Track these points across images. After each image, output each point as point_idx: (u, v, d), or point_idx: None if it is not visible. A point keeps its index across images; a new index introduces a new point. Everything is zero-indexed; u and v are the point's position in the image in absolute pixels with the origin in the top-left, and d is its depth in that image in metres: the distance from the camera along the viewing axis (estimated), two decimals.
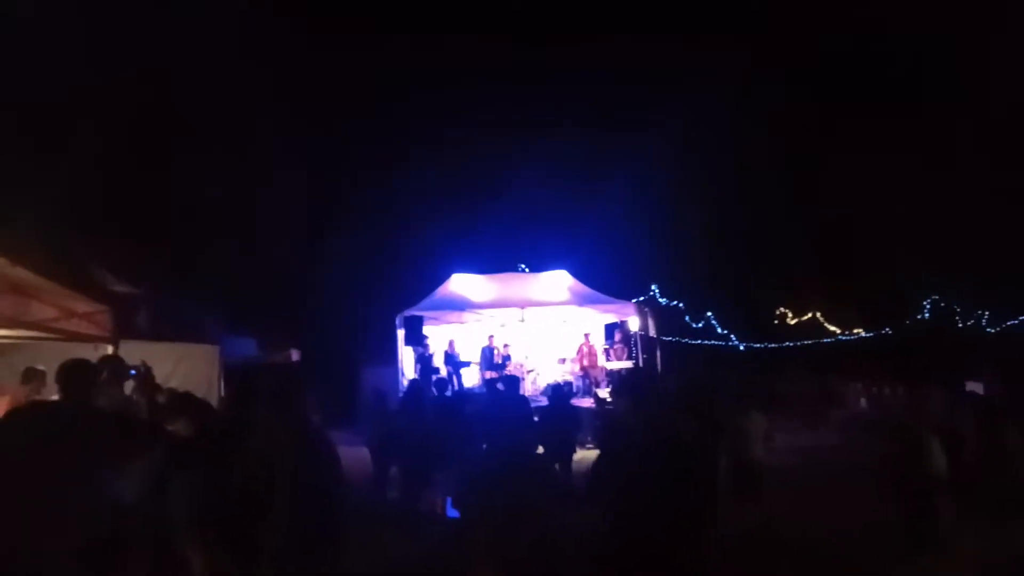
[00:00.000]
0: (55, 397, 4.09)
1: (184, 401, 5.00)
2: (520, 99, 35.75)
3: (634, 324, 16.38)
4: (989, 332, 34.12)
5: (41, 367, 5.98)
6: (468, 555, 3.88)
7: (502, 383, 11.85)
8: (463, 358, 15.89)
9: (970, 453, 5.59)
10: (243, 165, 24.22)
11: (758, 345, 33.87)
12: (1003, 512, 5.18)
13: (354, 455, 8.52)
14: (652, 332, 17.12)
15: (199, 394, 6.61)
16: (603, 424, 8.63)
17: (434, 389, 11.07)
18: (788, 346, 33.89)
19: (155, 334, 7.20)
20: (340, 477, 4.06)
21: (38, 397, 5.60)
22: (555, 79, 34.39)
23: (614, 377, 15.04)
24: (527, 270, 20.44)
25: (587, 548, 3.22)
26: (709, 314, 32.26)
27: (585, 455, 10.32)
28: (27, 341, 6.63)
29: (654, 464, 3.10)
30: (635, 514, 3.03)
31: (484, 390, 14.24)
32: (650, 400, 4.71)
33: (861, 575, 5.70)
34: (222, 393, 8.34)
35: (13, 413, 3.79)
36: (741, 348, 33.42)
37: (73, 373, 3.79)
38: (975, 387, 11.18)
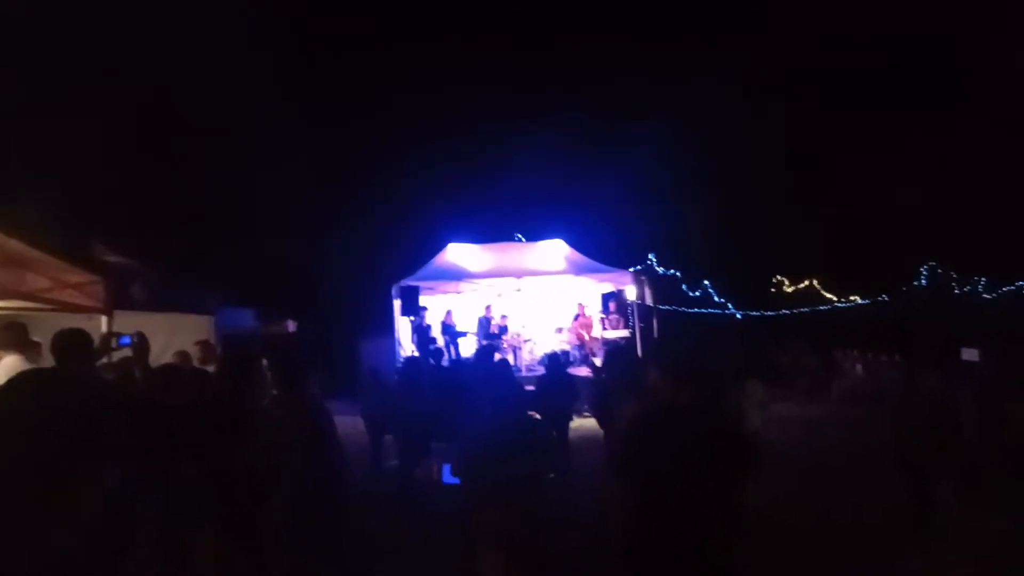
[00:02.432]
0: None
1: (177, 372, 4.98)
2: (517, 71, 35.41)
3: (631, 293, 16.37)
4: (986, 298, 34.24)
5: (36, 338, 5.96)
6: (473, 529, 3.89)
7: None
8: (460, 328, 15.90)
9: (970, 432, 5.57)
10: (240, 139, 24.04)
11: (755, 313, 33.96)
12: (1005, 494, 5.13)
13: (350, 425, 8.56)
14: (649, 301, 17.13)
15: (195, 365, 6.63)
16: (596, 395, 8.66)
17: (431, 359, 11.13)
18: (785, 314, 33.97)
19: (149, 305, 7.18)
20: (339, 449, 4.07)
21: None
22: (555, 52, 34.10)
23: (609, 347, 15.09)
24: (523, 239, 20.38)
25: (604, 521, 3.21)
26: (706, 283, 32.29)
27: (582, 423, 10.39)
28: (21, 312, 6.60)
29: (691, 439, 3.09)
30: (668, 488, 3.02)
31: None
32: (636, 373, 4.68)
33: (858, 555, 5.72)
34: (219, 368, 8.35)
35: (13, 380, 3.77)
36: (738, 316, 33.50)
37: (68, 343, 3.77)
38: (971, 354, 11.17)
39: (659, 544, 2.97)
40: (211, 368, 6.56)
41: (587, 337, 16.12)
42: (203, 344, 7.02)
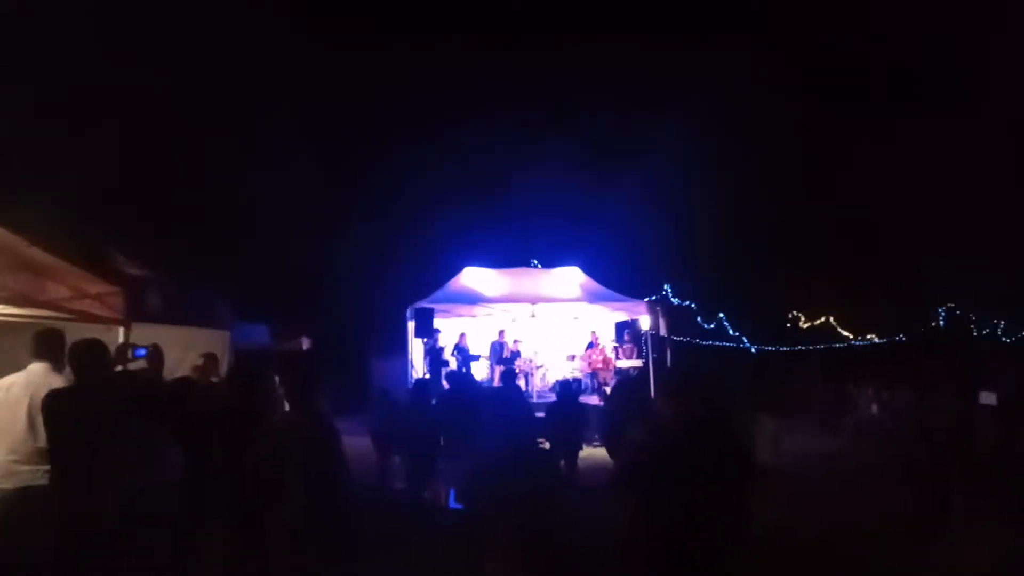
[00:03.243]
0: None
1: (190, 384, 5.02)
2: (533, 93, 35.61)
3: (645, 323, 16.34)
4: (1005, 342, 33.77)
5: None
6: (481, 547, 3.88)
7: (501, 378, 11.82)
8: (473, 352, 15.89)
9: (984, 451, 5.52)
10: (257, 155, 24.31)
11: (770, 348, 33.65)
12: (1017, 511, 5.06)
13: (358, 444, 8.55)
14: (663, 332, 17.06)
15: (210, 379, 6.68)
16: (606, 424, 8.64)
17: (445, 382, 11.06)
18: (800, 349, 33.66)
19: (167, 317, 7.23)
20: (344, 466, 4.08)
21: None
22: (568, 73, 34.20)
23: (619, 377, 15.06)
24: (539, 265, 20.37)
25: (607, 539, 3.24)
26: (721, 315, 32.06)
27: (591, 452, 10.33)
28: (40, 320, 6.68)
29: (692, 456, 3.13)
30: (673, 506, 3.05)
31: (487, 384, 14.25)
32: (645, 403, 4.71)
33: (867, 567, 5.65)
34: (230, 379, 8.38)
35: (48, 400, 3.84)
36: (753, 351, 33.20)
37: (84, 351, 3.83)
38: (988, 397, 11.04)
39: (664, 554, 2.99)
40: (215, 381, 6.62)
41: (600, 366, 16.07)
42: (208, 357, 7.06)
